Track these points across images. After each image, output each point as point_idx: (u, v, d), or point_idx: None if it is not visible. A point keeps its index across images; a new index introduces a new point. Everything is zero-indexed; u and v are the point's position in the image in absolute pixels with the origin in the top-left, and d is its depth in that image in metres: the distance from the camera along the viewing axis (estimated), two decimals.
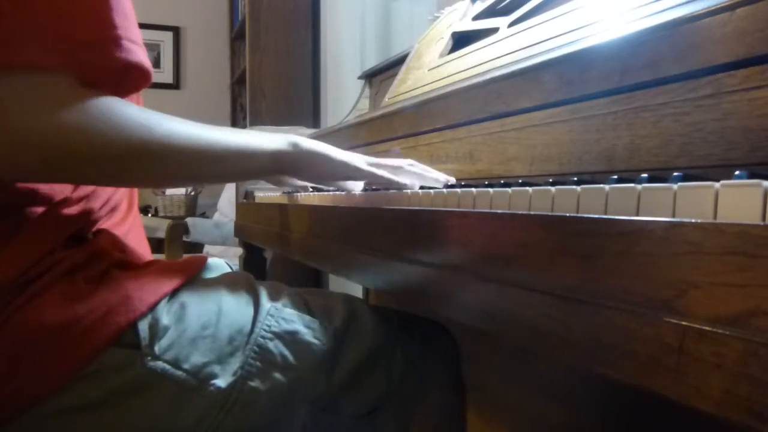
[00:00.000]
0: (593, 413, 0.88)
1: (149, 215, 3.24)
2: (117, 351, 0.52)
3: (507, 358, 1.05)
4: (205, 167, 0.60)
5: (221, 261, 0.75)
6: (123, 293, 0.53)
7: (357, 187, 0.76)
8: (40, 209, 0.54)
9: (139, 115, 0.53)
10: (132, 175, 0.57)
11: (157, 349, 0.53)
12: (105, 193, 0.61)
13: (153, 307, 0.54)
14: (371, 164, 0.71)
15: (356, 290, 1.82)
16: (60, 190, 0.56)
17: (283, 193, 1.17)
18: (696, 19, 0.51)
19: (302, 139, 0.67)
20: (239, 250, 1.48)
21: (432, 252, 0.49)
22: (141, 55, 0.53)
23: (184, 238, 2.13)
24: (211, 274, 0.65)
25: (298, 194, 1.04)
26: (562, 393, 0.93)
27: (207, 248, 2.69)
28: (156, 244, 2.27)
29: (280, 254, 1.44)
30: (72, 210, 0.57)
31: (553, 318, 0.34)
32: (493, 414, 1.07)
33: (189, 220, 2.20)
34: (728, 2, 0.48)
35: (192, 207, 3.30)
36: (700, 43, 0.51)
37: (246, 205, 1.34)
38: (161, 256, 2.12)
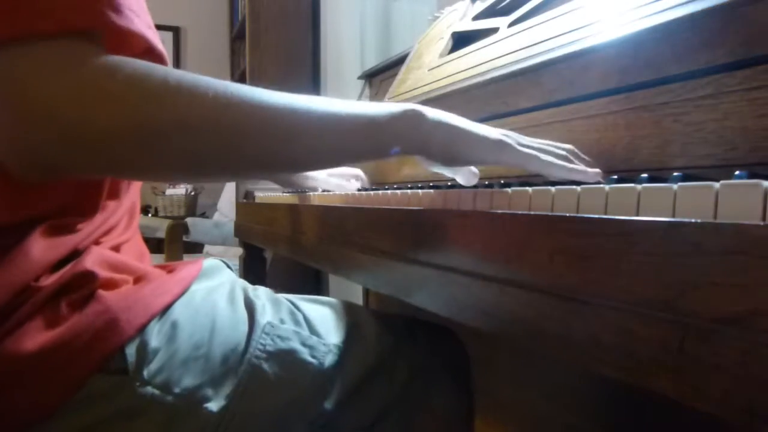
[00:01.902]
0: (594, 413, 0.88)
1: (149, 215, 3.24)
2: (105, 377, 0.49)
3: (508, 359, 1.05)
4: (290, 143, 0.48)
5: (218, 261, 0.73)
6: (109, 317, 0.50)
7: (471, 180, 0.61)
8: (27, 235, 0.50)
9: (181, 76, 0.44)
10: (169, 160, 0.46)
11: (146, 373, 0.51)
12: (102, 215, 0.57)
13: (142, 329, 0.52)
14: (524, 145, 0.56)
15: (356, 290, 1.82)
16: (51, 213, 0.52)
17: (284, 193, 1.17)
18: (696, 19, 0.51)
19: (427, 108, 0.54)
20: (239, 250, 1.48)
21: (432, 252, 0.49)
22: (143, 27, 0.47)
23: (184, 238, 2.13)
24: (207, 280, 0.62)
25: (298, 195, 1.04)
26: (563, 393, 0.93)
27: (207, 248, 2.69)
28: (156, 244, 2.27)
29: (280, 254, 1.44)
30: (62, 235, 0.53)
31: (553, 318, 0.34)
32: (495, 414, 1.07)
33: (189, 220, 2.20)
34: (728, 2, 0.48)
35: (192, 207, 3.30)
36: (700, 43, 0.51)
37: (246, 205, 1.34)
38: (161, 257, 2.12)
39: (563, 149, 0.58)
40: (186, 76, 0.45)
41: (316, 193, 0.95)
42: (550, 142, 0.58)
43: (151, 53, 0.48)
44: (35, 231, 0.50)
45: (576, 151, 0.58)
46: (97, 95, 0.42)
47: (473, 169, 0.60)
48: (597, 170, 0.55)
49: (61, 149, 0.43)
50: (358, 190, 0.88)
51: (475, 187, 0.59)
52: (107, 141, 0.42)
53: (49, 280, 0.50)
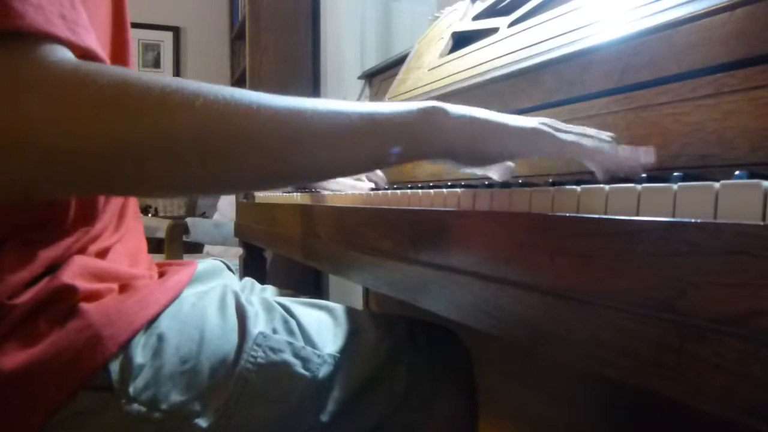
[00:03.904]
0: (595, 413, 0.88)
1: (149, 215, 3.24)
2: (89, 395, 0.48)
3: (509, 359, 1.05)
4: (294, 153, 0.42)
5: (217, 262, 0.72)
6: (91, 333, 0.48)
7: (506, 174, 0.55)
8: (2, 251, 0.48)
9: (165, 84, 0.38)
10: (159, 179, 0.40)
11: (131, 390, 0.49)
12: (84, 224, 0.54)
13: (126, 344, 0.49)
14: (563, 131, 0.50)
15: (356, 290, 1.82)
16: (24, 229, 0.49)
17: (282, 193, 1.17)
18: (696, 19, 0.51)
19: (448, 105, 0.48)
20: (239, 250, 1.48)
21: (432, 252, 0.49)
22: (41, 20, 0.37)
23: (184, 238, 2.13)
24: (200, 284, 0.61)
25: (297, 194, 1.04)
26: (563, 393, 0.93)
27: (207, 248, 2.69)
28: (156, 244, 2.27)
29: (280, 254, 1.44)
30: (37, 250, 0.49)
31: (553, 318, 0.34)
32: (496, 415, 1.07)
33: (189, 220, 2.19)
34: (728, 2, 0.48)
35: (192, 207, 3.30)
36: (700, 43, 0.51)
37: (246, 205, 1.34)
38: (161, 257, 2.12)
39: (607, 137, 0.52)
40: (171, 83, 0.38)
41: (314, 193, 0.95)
42: (592, 130, 0.53)
43: (40, 37, 0.38)
44: (6, 246, 0.48)
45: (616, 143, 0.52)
46: (67, 115, 0.36)
47: (508, 162, 0.54)
48: (649, 148, 0.49)
49: (32, 174, 0.37)
50: (372, 190, 0.88)
51: (475, 187, 0.59)
52: (85, 164, 0.37)
53: (24, 297, 0.48)
